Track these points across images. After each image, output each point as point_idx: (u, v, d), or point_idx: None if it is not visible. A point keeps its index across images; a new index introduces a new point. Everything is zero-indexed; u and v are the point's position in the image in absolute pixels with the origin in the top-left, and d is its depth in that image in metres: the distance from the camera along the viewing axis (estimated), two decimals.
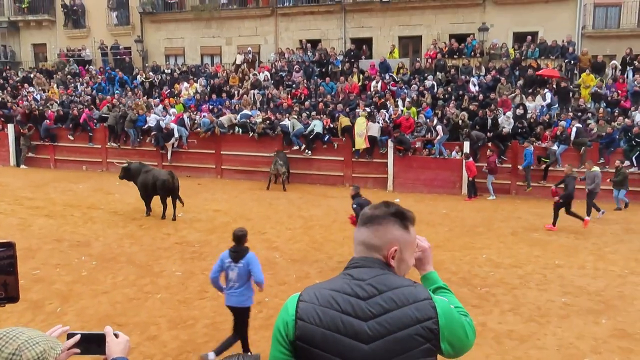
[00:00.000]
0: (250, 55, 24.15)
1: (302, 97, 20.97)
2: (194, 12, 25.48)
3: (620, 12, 21.28)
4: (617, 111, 17.99)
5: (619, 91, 18.73)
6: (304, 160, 19.00)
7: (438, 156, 17.81)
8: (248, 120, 19.61)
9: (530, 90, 19.44)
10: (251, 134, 19.41)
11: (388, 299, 1.79)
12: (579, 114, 18.12)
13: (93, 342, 1.78)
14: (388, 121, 18.63)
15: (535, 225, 13.38)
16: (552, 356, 6.47)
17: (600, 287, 8.85)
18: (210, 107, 21.27)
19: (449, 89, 20.16)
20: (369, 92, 20.76)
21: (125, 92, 23.29)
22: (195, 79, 23.46)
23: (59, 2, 27.43)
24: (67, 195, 15.97)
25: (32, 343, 1.61)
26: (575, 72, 20.42)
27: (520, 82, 19.91)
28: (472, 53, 21.53)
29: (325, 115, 19.40)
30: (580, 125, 17.14)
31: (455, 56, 21.71)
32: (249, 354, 5.72)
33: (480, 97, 19.27)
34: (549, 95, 18.69)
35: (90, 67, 26.15)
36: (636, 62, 19.45)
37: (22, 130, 21.47)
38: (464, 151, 17.19)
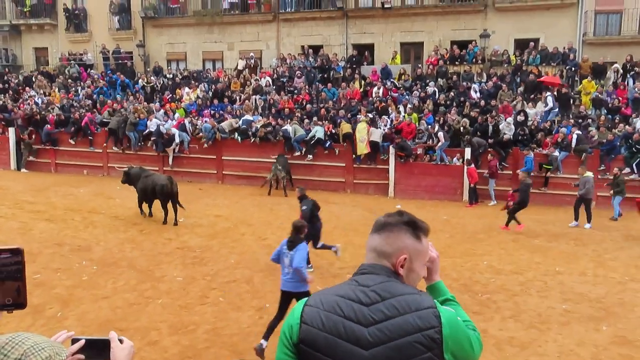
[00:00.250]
0: (252, 61, 24.21)
1: (304, 103, 21.01)
2: (196, 17, 25.54)
3: (621, 19, 21.31)
4: (617, 118, 18.02)
5: (620, 98, 18.76)
6: (305, 166, 19.01)
7: (439, 162, 17.83)
8: (248, 126, 19.63)
9: (532, 97, 19.48)
10: (252, 139, 19.44)
11: (390, 306, 1.80)
12: (580, 120, 18.15)
13: (97, 348, 1.78)
14: (390, 127, 18.64)
15: (536, 232, 13.39)
16: None
17: (600, 293, 8.84)
18: (212, 112, 21.29)
19: (451, 95, 20.19)
20: (370, 98, 20.79)
21: (127, 96, 23.34)
22: (197, 84, 23.51)
23: (61, 6, 27.47)
24: (68, 199, 15.97)
25: (37, 349, 1.61)
26: (576, 78, 20.46)
27: (521, 88, 19.96)
28: (474, 59, 21.60)
29: (326, 121, 19.43)
30: (581, 132, 17.17)
31: (456, 62, 21.76)
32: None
33: (482, 103, 19.31)
34: (550, 99, 18.69)
35: (92, 71, 26.19)
36: (637, 69, 19.49)
37: (22, 136, 21.54)
38: (466, 157, 17.21)
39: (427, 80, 21.20)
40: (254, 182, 19.05)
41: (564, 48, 20.72)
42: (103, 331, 7.20)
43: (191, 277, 9.26)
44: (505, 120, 17.97)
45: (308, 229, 9.34)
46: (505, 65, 21.20)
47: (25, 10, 27.96)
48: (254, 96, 21.85)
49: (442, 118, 18.72)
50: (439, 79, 21.14)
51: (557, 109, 18.84)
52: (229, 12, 25.28)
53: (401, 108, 19.83)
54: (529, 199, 13.62)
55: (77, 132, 21.30)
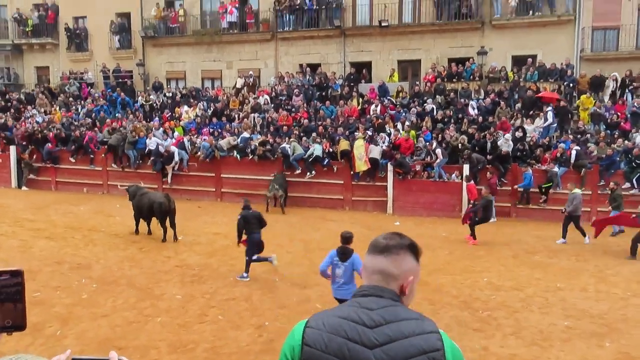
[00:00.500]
0: (250, 79, 24.36)
1: (302, 121, 21.08)
2: (195, 37, 25.75)
3: (619, 34, 21.39)
4: (617, 133, 18.08)
5: (619, 113, 18.83)
6: (303, 184, 19.03)
7: (438, 179, 17.85)
8: (247, 144, 19.68)
9: (530, 113, 19.55)
10: (250, 157, 19.48)
11: (395, 329, 1.80)
12: (579, 135, 18.21)
13: None
14: (388, 144, 18.68)
15: (536, 247, 13.36)
16: None
17: (602, 309, 8.79)
18: (211, 130, 21.38)
19: (449, 112, 20.26)
20: (368, 116, 20.87)
21: (126, 114, 23.43)
22: (196, 102, 23.61)
23: (62, 26, 27.76)
24: (68, 217, 15.96)
25: None
26: (574, 94, 20.55)
27: (519, 104, 20.05)
28: (471, 76, 21.70)
29: (325, 139, 19.49)
30: (580, 148, 17.22)
31: (454, 79, 21.87)
32: None
33: (480, 120, 19.38)
34: (550, 115, 18.76)
35: (92, 89, 26.34)
36: (635, 84, 19.57)
37: (22, 155, 21.60)
38: (465, 174, 17.23)
39: (425, 98, 21.30)
40: (253, 200, 18.96)
41: (562, 64, 20.84)
42: (102, 350, 7.16)
43: (190, 295, 9.22)
44: (503, 136, 18.03)
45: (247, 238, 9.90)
46: (503, 81, 21.29)
47: (27, 30, 28.22)
48: (252, 114, 21.96)
49: (440, 135, 18.78)
50: (436, 96, 21.22)
51: (555, 124, 18.92)
52: (228, 31, 25.48)
53: (399, 125, 19.90)
54: (492, 214, 14.52)
55: (77, 150, 21.37)
